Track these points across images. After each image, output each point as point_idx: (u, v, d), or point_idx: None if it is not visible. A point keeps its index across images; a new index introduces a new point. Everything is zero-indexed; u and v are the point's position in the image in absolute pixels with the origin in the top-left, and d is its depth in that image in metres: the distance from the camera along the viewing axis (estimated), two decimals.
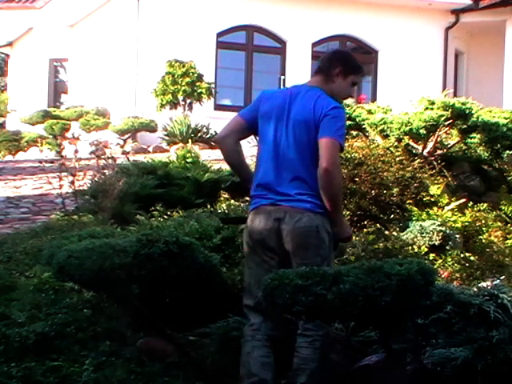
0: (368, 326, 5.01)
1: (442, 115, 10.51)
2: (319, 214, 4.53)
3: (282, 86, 18.03)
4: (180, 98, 16.15)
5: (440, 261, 7.79)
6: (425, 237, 7.99)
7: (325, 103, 4.58)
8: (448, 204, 9.25)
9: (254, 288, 4.60)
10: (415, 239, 7.96)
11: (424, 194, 9.11)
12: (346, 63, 4.74)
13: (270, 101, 4.70)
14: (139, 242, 4.72)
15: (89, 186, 8.50)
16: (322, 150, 4.48)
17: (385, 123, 10.79)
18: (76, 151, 8.64)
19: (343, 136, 4.59)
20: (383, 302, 4.01)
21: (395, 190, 8.60)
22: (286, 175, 4.57)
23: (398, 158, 9.22)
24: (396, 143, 10.36)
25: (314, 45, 18.35)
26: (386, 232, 7.94)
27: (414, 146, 10.79)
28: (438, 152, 10.86)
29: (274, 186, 4.59)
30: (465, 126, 10.85)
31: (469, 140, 11.30)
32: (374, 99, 17.48)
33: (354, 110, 11.48)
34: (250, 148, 13.23)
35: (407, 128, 10.56)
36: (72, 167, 8.32)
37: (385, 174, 8.65)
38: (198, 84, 16.20)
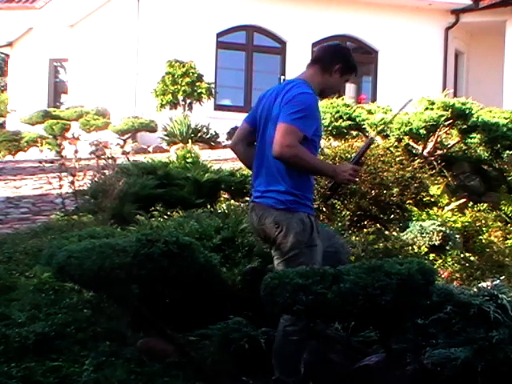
0: (368, 326, 5.01)
1: (442, 115, 10.51)
2: (281, 209, 4.56)
3: None
4: (180, 98, 16.15)
5: (440, 261, 7.79)
6: (425, 237, 7.99)
7: (290, 94, 4.57)
8: (448, 204, 9.25)
9: None
10: (415, 239, 7.96)
11: (424, 194, 9.12)
12: (347, 62, 4.77)
13: (262, 101, 4.78)
14: (139, 242, 4.72)
15: (89, 186, 8.49)
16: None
17: (385, 123, 10.80)
18: (76, 151, 8.64)
19: (301, 120, 4.48)
20: (383, 301, 4.01)
21: (395, 190, 8.60)
22: (263, 173, 4.67)
23: (397, 158, 9.23)
24: (396, 143, 10.37)
25: (314, 45, 18.33)
26: (386, 232, 7.95)
27: (414, 146, 10.80)
28: (438, 152, 10.86)
29: (255, 185, 4.75)
30: (465, 126, 10.86)
31: (469, 140, 11.30)
32: (374, 99, 17.49)
33: (354, 110, 11.49)
34: None
35: (407, 128, 10.57)
36: (72, 167, 8.31)
37: (385, 174, 8.65)
38: (197, 84, 16.20)
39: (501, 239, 8.92)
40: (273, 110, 4.63)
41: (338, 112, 11.37)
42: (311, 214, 4.65)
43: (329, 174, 4.78)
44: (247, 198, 8.42)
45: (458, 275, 7.36)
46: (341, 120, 11.26)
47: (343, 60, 4.74)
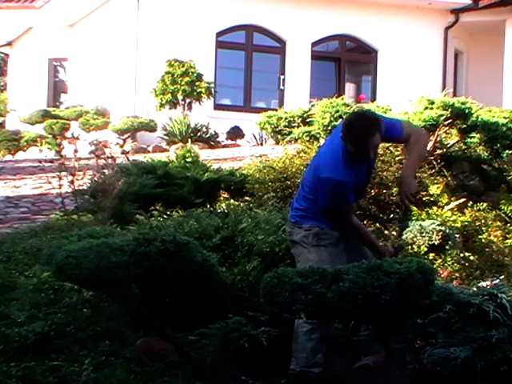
0: (367, 326, 5.00)
1: (442, 115, 10.50)
2: None
3: (281, 86, 18.07)
4: (179, 97, 16.14)
5: (439, 260, 7.79)
6: (424, 236, 7.99)
7: None
8: (448, 204, 9.25)
9: None
10: (415, 239, 7.96)
11: (424, 194, 9.12)
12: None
13: None
14: (136, 241, 4.71)
15: (88, 185, 8.48)
16: None
17: None
18: (75, 151, 8.64)
19: None
20: (382, 300, 4.00)
21: (395, 189, 8.59)
22: None
23: (397, 158, 9.22)
24: None
25: (314, 44, 18.34)
26: (386, 231, 7.94)
27: None
28: (438, 151, 10.85)
29: None
30: (464, 126, 10.85)
31: (468, 140, 11.29)
32: (373, 99, 17.47)
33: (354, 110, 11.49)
34: (249, 148, 13.22)
35: None
36: (71, 167, 8.29)
37: (384, 173, 8.65)
38: (197, 83, 16.18)
39: (500, 239, 8.92)
40: None
41: (337, 112, 11.38)
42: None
43: None
44: (247, 198, 8.42)
45: (457, 275, 7.36)
46: (340, 119, 11.25)
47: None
